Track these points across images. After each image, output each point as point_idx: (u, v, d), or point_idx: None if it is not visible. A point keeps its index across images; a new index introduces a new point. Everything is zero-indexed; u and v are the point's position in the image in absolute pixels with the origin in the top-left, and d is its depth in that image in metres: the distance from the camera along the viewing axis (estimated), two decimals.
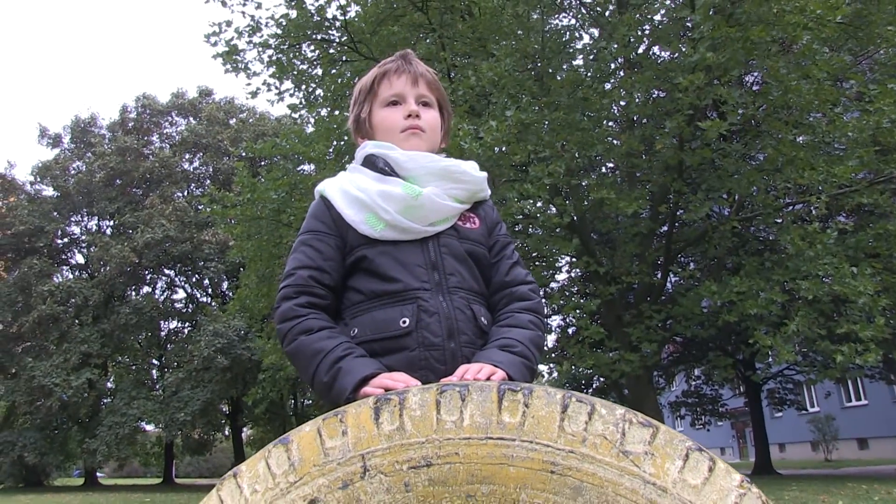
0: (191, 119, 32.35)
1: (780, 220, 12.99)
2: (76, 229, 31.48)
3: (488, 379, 1.38)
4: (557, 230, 12.59)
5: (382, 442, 1.03)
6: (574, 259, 14.03)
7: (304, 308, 1.58)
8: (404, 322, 1.55)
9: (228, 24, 13.36)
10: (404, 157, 1.67)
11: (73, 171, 30.81)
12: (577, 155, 11.83)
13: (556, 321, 19.33)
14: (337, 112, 14.03)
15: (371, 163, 1.71)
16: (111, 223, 30.91)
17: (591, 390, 21.69)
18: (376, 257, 1.61)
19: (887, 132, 11.02)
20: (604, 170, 15.70)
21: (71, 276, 30.42)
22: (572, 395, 1.03)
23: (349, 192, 1.66)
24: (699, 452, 0.99)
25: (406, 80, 1.78)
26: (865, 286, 9.90)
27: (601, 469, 0.99)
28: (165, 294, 31.18)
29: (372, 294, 1.60)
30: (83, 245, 30.91)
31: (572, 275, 17.97)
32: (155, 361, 31.34)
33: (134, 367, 31.09)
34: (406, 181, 1.65)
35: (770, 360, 14.95)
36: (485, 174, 1.76)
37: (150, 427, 31.05)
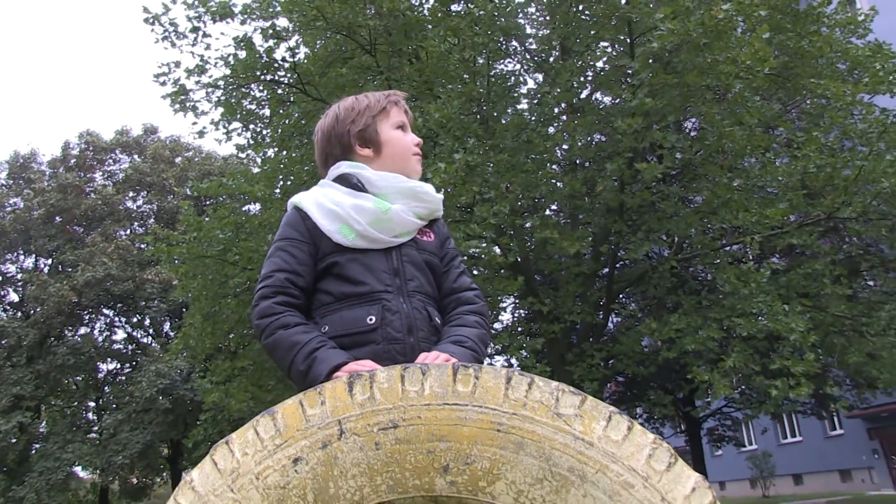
0: (135, 157, 31.92)
1: (717, 261, 13.43)
2: (11, 267, 30.68)
3: None
4: (502, 270, 12.80)
5: (356, 409, 1.20)
6: (518, 299, 14.24)
7: (280, 306, 1.75)
8: (371, 319, 1.74)
9: (177, 64, 13.40)
10: (376, 176, 1.88)
11: (9, 208, 30.08)
12: (520, 196, 12.10)
13: (500, 361, 19.43)
14: (284, 152, 14.10)
15: (345, 180, 1.89)
16: (49, 261, 30.21)
17: None
18: (346, 263, 1.80)
19: (814, 177, 11.59)
20: (548, 212, 16.02)
21: (4, 316, 29.51)
22: (515, 371, 1.22)
23: (324, 204, 1.84)
24: (620, 416, 1.19)
25: (407, 117, 2.04)
26: (797, 323, 10.30)
27: (539, 427, 1.18)
28: (105, 335, 30.46)
29: (342, 295, 1.78)
30: (18, 283, 30.09)
31: (516, 316, 18.16)
32: (91, 403, 30.42)
33: (69, 411, 30.05)
34: (376, 198, 1.84)
35: (708, 396, 15.29)
36: (441, 195, 1.99)
37: (84, 474, 30.03)
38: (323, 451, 1.18)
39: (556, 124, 14.26)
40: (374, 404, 1.20)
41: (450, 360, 1.62)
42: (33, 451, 26.87)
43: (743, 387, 17.27)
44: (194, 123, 22.72)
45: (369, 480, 1.16)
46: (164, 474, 34.21)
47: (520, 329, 17.97)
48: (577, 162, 14.30)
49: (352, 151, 1.96)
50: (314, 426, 1.20)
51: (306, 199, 1.89)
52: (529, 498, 1.14)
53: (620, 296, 16.23)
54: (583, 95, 14.58)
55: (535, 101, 14.37)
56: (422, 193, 1.89)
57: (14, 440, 25.03)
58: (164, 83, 13.47)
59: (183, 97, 13.60)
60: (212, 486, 1.18)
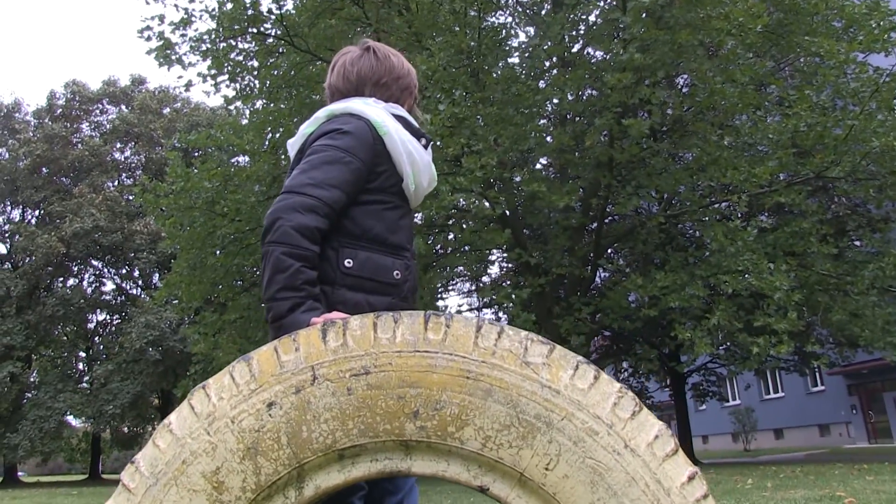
0: (122, 107, 31.59)
1: (705, 218, 13.47)
2: None
3: None
4: (490, 224, 12.83)
5: (329, 355, 1.23)
6: (506, 251, 14.30)
7: (318, 233, 1.65)
8: (397, 274, 1.78)
9: (162, 18, 13.15)
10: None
11: None
12: (509, 149, 12.07)
13: (487, 315, 19.59)
14: (272, 105, 13.99)
15: (415, 130, 1.88)
16: (37, 213, 30.04)
17: None
18: (393, 209, 1.81)
19: (804, 135, 11.56)
20: (538, 166, 16.00)
21: None
22: (485, 320, 1.25)
23: (406, 145, 1.81)
24: (587, 365, 1.23)
25: None
26: (781, 281, 10.39)
27: (507, 375, 1.20)
28: (94, 286, 30.45)
29: (374, 238, 1.76)
30: (6, 234, 29.96)
31: (503, 269, 18.29)
32: (82, 354, 30.56)
33: (60, 361, 30.12)
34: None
35: (692, 353, 15.47)
36: None
37: (76, 423, 30.26)
38: (296, 395, 1.22)
39: (546, 77, 14.16)
40: (347, 351, 1.23)
41: None
42: (25, 401, 27.07)
43: (728, 343, 17.44)
44: (180, 77, 22.42)
45: (341, 424, 1.20)
46: (155, 424, 34.54)
47: (507, 283, 18.08)
48: (567, 116, 14.24)
49: (399, 103, 1.93)
50: (288, 371, 1.23)
51: (390, 125, 1.80)
52: (497, 443, 1.18)
53: (608, 250, 16.30)
54: (574, 49, 14.46)
55: (526, 55, 14.25)
56: (433, 183, 1.94)
57: (6, 389, 25.18)
58: (148, 38, 13.25)
59: (168, 51, 13.40)
60: (189, 429, 1.22)
